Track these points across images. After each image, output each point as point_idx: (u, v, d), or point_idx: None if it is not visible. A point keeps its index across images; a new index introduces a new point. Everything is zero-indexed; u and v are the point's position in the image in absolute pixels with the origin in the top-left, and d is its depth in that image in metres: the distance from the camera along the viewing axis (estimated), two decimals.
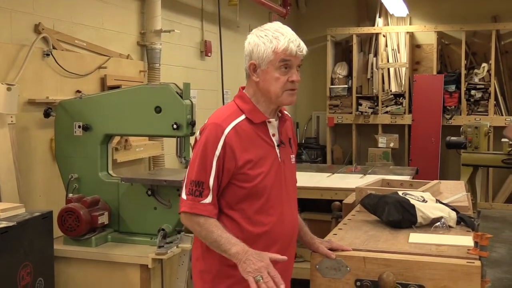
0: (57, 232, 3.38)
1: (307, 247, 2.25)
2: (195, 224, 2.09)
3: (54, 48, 3.92)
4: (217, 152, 2.06)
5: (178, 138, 3.53)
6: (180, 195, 2.15)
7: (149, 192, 3.54)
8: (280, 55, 2.09)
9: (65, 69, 3.99)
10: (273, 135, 2.20)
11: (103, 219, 3.51)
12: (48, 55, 3.84)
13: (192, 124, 3.47)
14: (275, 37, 2.11)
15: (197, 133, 2.17)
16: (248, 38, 2.19)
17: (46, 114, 3.74)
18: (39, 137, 3.80)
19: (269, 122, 2.20)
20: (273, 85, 2.12)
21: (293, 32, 2.15)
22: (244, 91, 2.24)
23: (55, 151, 3.71)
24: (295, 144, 2.38)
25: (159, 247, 3.35)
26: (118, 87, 4.33)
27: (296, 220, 2.29)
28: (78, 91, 4.02)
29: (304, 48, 2.15)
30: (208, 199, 2.07)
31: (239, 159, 2.09)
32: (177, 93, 3.45)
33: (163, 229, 3.40)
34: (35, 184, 3.77)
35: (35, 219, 3.01)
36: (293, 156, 2.31)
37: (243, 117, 2.14)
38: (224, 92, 6.51)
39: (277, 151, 2.20)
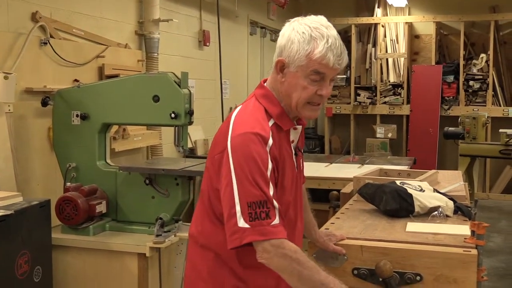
0: (55, 220, 3.38)
1: (315, 244, 2.14)
2: (278, 258, 1.69)
3: (51, 36, 3.90)
4: (269, 166, 1.75)
5: (176, 127, 3.53)
6: (234, 224, 1.71)
7: (147, 181, 3.54)
8: (313, 63, 1.77)
9: (62, 58, 3.98)
10: (292, 141, 1.94)
11: (101, 208, 3.52)
12: (45, 43, 3.83)
13: (190, 113, 3.47)
14: (314, 37, 1.77)
15: (228, 145, 1.77)
16: (285, 27, 1.86)
17: (44, 103, 3.73)
18: (36, 126, 3.80)
19: (295, 129, 1.94)
20: (297, 92, 1.82)
21: (336, 35, 1.81)
22: (266, 85, 1.93)
23: (53, 140, 3.71)
24: (303, 143, 2.12)
25: (157, 235, 3.36)
26: (116, 76, 4.32)
27: (302, 233, 2.08)
28: (76, 80, 4.02)
29: (345, 60, 1.81)
30: (277, 220, 1.70)
31: (279, 174, 1.83)
32: (175, 82, 3.45)
33: (160, 218, 3.41)
34: (33, 173, 3.78)
35: (33, 207, 3.02)
36: (301, 160, 2.05)
37: (272, 122, 1.85)
38: (222, 82, 6.50)
39: (295, 160, 1.95)
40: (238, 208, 1.70)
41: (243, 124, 1.80)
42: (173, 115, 3.41)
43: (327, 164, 5.50)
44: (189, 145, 5.40)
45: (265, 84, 1.94)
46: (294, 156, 1.94)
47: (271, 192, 1.72)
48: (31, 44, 3.72)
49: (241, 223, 1.69)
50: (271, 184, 1.73)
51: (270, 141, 1.78)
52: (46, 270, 3.13)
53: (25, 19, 3.75)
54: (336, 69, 1.80)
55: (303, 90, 1.81)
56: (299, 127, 1.96)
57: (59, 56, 3.95)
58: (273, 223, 1.69)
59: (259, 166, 1.72)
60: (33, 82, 3.75)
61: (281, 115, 1.87)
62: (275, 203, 1.72)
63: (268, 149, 1.76)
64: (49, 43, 3.85)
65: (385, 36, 9.19)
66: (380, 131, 9.02)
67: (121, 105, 3.55)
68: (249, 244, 1.70)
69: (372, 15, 9.36)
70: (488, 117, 7.48)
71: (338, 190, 3.31)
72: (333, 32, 1.81)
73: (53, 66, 3.94)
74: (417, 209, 2.43)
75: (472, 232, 2.02)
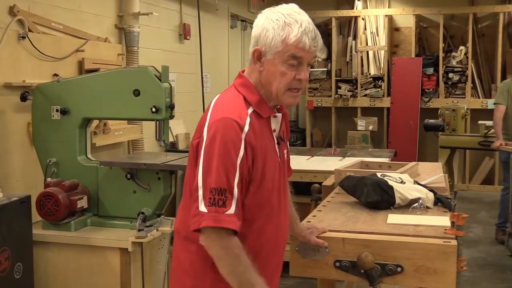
0: (35, 216, 3.36)
1: (297, 237, 2.16)
2: (219, 247, 1.75)
3: (30, 31, 3.86)
4: (241, 153, 1.76)
5: (157, 122, 3.52)
6: (196, 207, 1.76)
7: (128, 176, 3.53)
8: (290, 48, 1.80)
9: (41, 52, 3.94)
10: (274, 130, 1.95)
11: (82, 203, 3.50)
12: (24, 38, 3.78)
13: (171, 107, 3.46)
14: (288, 23, 1.80)
15: (205, 130, 1.80)
16: (258, 18, 1.89)
17: (23, 98, 3.69)
18: (16, 121, 3.76)
19: (275, 116, 1.94)
20: (277, 80, 1.84)
21: (309, 20, 1.84)
22: (245, 75, 1.94)
23: (33, 135, 3.67)
24: (288, 135, 2.13)
25: (139, 230, 3.35)
26: (96, 70, 4.28)
27: (288, 222, 2.09)
28: (56, 75, 3.98)
29: (320, 42, 1.85)
30: (232, 209, 1.74)
31: (257, 161, 1.82)
32: (156, 76, 3.43)
33: (142, 213, 3.39)
34: (13, 168, 3.74)
35: (13, 203, 2.99)
36: (286, 151, 2.06)
37: (251, 110, 1.86)
38: (203, 76, 6.48)
39: (277, 149, 1.95)
40: (200, 192, 1.75)
41: (220, 110, 1.83)
42: (154, 109, 3.39)
43: (309, 157, 5.52)
44: (170, 139, 5.38)
45: (244, 74, 1.96)
46: (276, 145, 1.95)
47: (236, 180, 1.75)
48: (9, 39, 3.67)
49: (202, 207, 1.74)
50: (238, 172, 1.75)
51: (246, 128, 1.79)
52: (27, 267, 3.11)
53: (2, 13, 3.70)
54: (312, 52, 1.83)
55: (282, 77, 1.83)
56: (279, 115, 1.96)
57: (38, 51, 3.91)
58: (227, 212, 1.73)
59: (229, 152, 1.74)
60: (12, 77, 3.71)
61: (259, 102, 1.89)
62: (235, 192, 1.74)
63: (243, 135, 1.78)
64: (28, 37, 3.80)
65: (365, 29, 9.22)
66: (361, 123, 9.07)
67: (101, 99, 3.53)
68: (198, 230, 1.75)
69: (352, 8, 9.38)
70: (467, 109, 7.57)
71: (320, 183, 3.33)
72: (305, 17, 1.84)
73: (32, 60, 3.90)
74: (398, 201, 2.45)
75: (452, 223, 2.05)
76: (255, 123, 1.84)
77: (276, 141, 1.95)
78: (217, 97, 1.95)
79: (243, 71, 1.97)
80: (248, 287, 1.75)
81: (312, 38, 1.81)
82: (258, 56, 1.86)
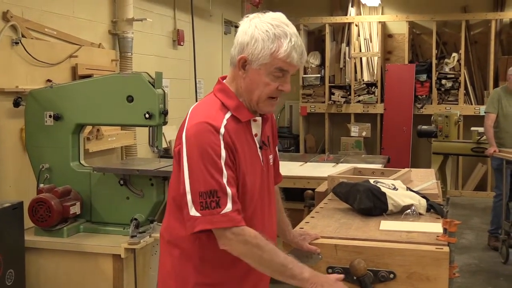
0: (28, 223, 3.34)
1: (290, 244, 2.16)
2: (238, 244, 1.76)
3: (23, 36, 3.85)
4: (223, 154, 1.79)
5: (151, 128, 3.52)
6: (187, 213, 1.79)
7: (122, 182, 3.53)
8: (278, 61, 1.83)
9: (35, 58, 3.94)
10: (255, 135, 1.96)
11: (75, 209, 3.49)
12: (17, 43, 3.78)
13: (164, 113, 3.46)
14: (278, 36, 1.82)
15: (183, 136, 1.85)
16: (245, 25, 1.89)
17: (16, 104, 3.69)
18: (8, 127, 3.75)
19: (255, 120, 1.96)
20: (259, 89, 1.87)
21: (296, 33, 1.87)
22: (225, 82, 1.97)
23: (26, 141, 3.66)
24: (275, 141, 2.14)
25: (132, 236, 3.34)
26: (89, 76, 4.28)
27: (275, 228, 2.11)
28: (49, 80, 3.97)
29: (305, 55, 1.89)
30: (228, 207, 1.75)
31: (238, 162, 1.85)
32: (149, 82, 3.43)
33: (135, 219, 3.39)
34: (5, 174, 3.72)
35: (5, 210, 2.98)
36: (271, 157, 2.07)
37: (229, 114, 1.88)
38: (197, 82, 6.48)
39: (260, 154, 1.97)
40: (189, 197, 1.78)
41: (197, 115, 1.87)
42: (147, 115, 3.40)
43: (302, 163, 5.53)
44: (164, 145, 5.37)
45: (224, 80, 1.98)
46: (259, 150, 1.97)
47: (225, 179, 1.77)
48: (2, 44, 3.66)
49: (193, 211, 1.77)
50: (224, 171, 1.78)
51: (222, 130, 1.82)
52: (19, 273, 3.09)
53: None
54: (298, 66, 1.88)
55: (266, 87, 1.87)
56: (259, 119, 1.97)
57: (31, 56, 3.90)
58: (223, 211, 1.75)
59: (210, 155, 1.77)
60: (5, 82, 3.70)
61: (238, 107, 1.91)
62: (228, 190, 1.76)
63: (221, 137, 1.80)
64: (21, 43, 3.80)
65: (358, 35, 9.26)
66: (354, 129, 9.09)
67: (95, 105, 3.53)
68: (205, 231, 1.77)
69: (346, 14, 9.42)
70: (460, 115, 7.60)
71: (313, 189, 3.33)
72: (294, 29, 1.87)
73: (25, 66, 3.89)
74: (390, 207, 2.45)
75: (444, 229, 2.05)
76: (232, 127, 1.86)
77: (258, 146, 1.97)
78: (196, 103, 1.99)
79: (222, 78, 2.00)
80: (280, 270, 1.77)
81: (300, 53, 1.85)
82: (243, 63, 1.87)
